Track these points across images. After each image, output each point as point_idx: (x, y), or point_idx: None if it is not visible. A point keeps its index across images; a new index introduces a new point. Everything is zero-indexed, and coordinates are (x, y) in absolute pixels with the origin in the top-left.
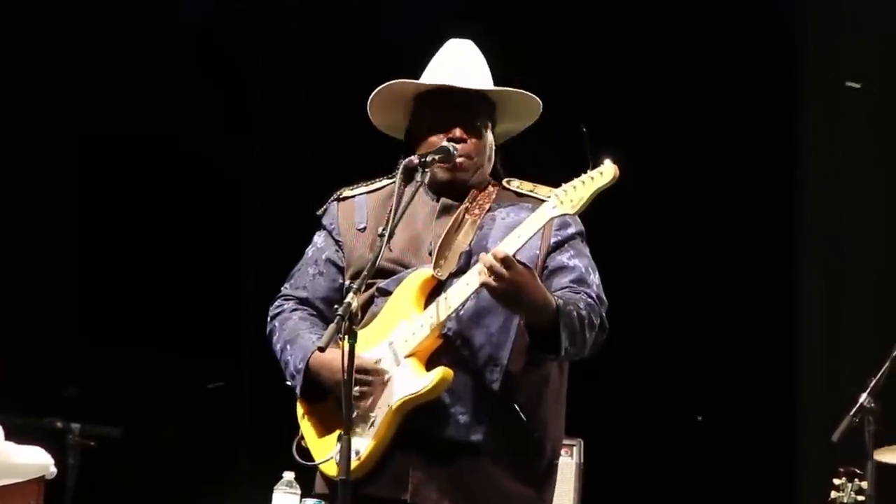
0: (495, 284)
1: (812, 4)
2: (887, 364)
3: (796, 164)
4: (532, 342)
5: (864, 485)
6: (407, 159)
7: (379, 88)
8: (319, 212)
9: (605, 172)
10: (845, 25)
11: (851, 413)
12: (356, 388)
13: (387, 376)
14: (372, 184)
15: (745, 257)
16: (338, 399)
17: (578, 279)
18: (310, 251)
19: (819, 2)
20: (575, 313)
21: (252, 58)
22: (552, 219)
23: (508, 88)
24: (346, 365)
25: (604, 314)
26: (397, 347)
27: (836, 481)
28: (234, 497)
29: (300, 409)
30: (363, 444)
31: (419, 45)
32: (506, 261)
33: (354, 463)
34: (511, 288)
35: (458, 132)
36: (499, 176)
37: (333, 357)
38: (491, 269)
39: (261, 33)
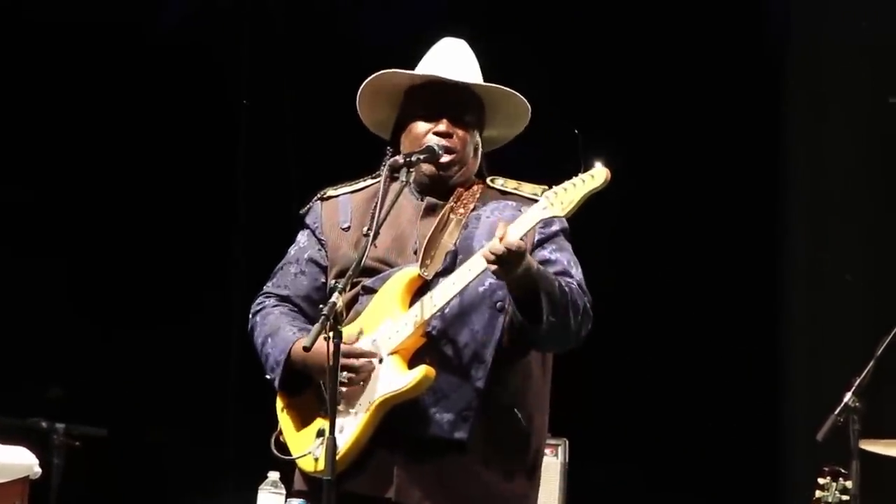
0: (502, 270)
1: (795, 9)
2: (872, 363)
3: (780, 165)
4: (517, 313)
5: (849, 484)
6: (392, 159)
7: (369, 78)
8: (303, 211)
9: (597, 176)
10: (829, 26)
11: (836, 412)
12: (343, 374)
13: (375, 361)
14: (356, 183)
15: (730, 256)
16: (318, 393)
17: (561, 271)
18: (292, 250)
19: (802, 6)
20: (556, 283)
21: (236, 59)
22: (543, 220)
23: (498, 86)
24: (331, 364)
25: (588, 302)
26: (380, 344)
27: (821, 480)
28: (219, 497)
29: (279, 404)
30: (342, 440)
31: (403, 45)
32: (517, 252)
33: None
34: (515, 269)
35: (443, 125)
36: (483, 176)
37: (320, 347)
38: (502, 257)
39: (245, 34)
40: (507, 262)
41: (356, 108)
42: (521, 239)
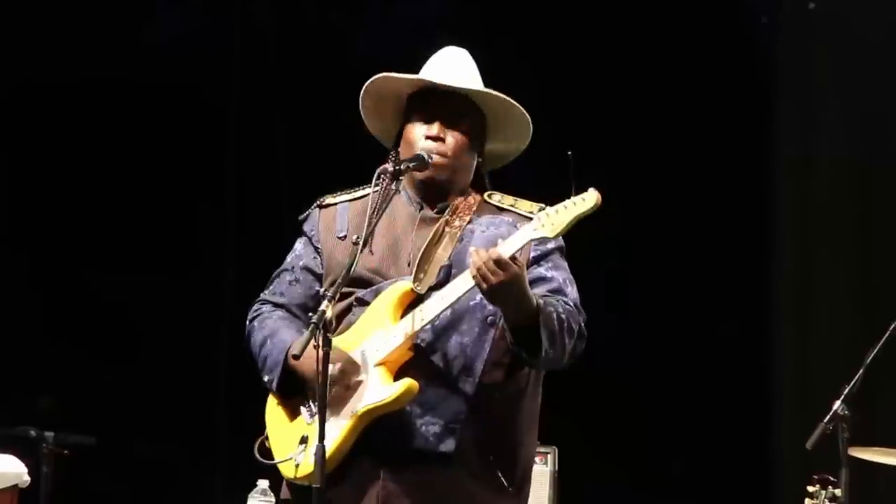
0: (488, 283)
1: (785, 21)
2: (861, 371)
3: (768, 177)
4: (513, 342)
5: (838, 492)
6: (381, 167)
7: (367, 83)
8: (301, 217)
9: (588, 199)
10: (818, 37)
11: (825, 420)
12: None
13: (360, 370)
14: (354, 192)
15: (719, 266)
16: (306, 399)
17: (556, 289)
18: (289, 257)
19: (792, 18)
20: (555, 315)
21: (227, 71)
22: (533, 240)
23: (492, 91)
24: (320, 373)
25: (582, 322)
26: (368, 355)
27: (810, 488)
28: None
29: (268, 407)
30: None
31: (397, 57)
32: (500, 262)
33: (312, 466)
34: (502, 286)
35: (436, 128)
36: (485, 188)
37: (310, 355)
38: (486, 266)
39: (236, 45)
40: (493, 274)
41: (349, 119)
42: (515, 257)
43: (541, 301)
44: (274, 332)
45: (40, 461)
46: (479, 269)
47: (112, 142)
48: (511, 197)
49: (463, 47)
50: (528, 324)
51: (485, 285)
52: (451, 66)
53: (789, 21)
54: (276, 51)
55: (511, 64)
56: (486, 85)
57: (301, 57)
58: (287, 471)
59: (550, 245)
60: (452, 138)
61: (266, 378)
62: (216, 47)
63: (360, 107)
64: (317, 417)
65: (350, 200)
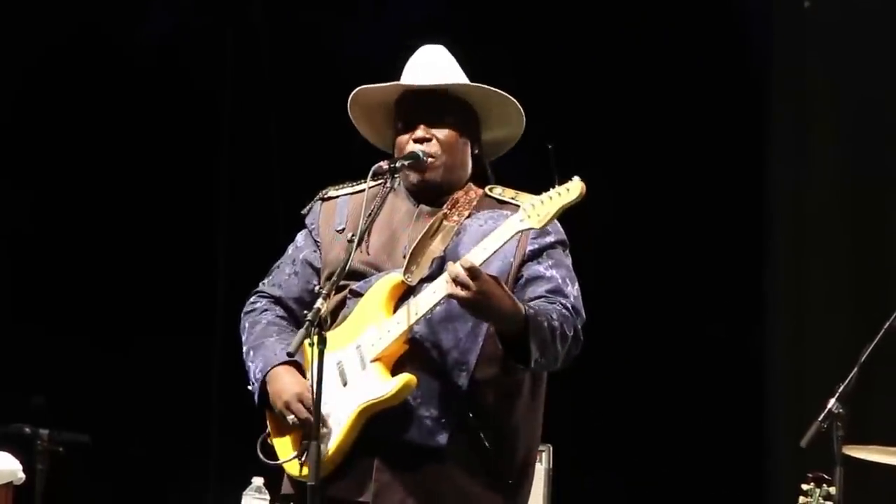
0: (462, 294)
1: (778, 25)
2: (855, 370)
3: (763, 178)
4: (504, 351)
5: (833, 490)
6: (377, 165)
7: (349, 100)
8: (304, 210)
9: (572, 189)
10: (811, 41)
11: (820, 419)
12: (290, 418)
13: (328, 405)
14: (357, 185)
15: (714, 264)
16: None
17: (554, 289)
18: (290, 249)
19: (785, 22)
20: (546, 324)
21: (221, 72)
22: (519, 231)
23: (469, 83)
24: (314, 371)
25: (578, 326)
26: (364, 351)
27: (805, 487)
28: (203, 502)
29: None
30: (324, 446)
31: (387, 57)
32: (472, 270)
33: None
34: (478, 297)
35: (420, 131)
36: (487, 181)
37: (286, 381)
38: (457, 279)
39: (229, 46)
40: (466, 285)
41: (341, 118)
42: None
43: (530, 312)
44: (259, 343)
45: (35, 458)
46: (452, 284)
47: (105, 140)
48: (512, 190)
49: (454, 48)
50: (517, 336)
51: (461, 294)
52: (428, 66)
53: (783, 20)
54: (269, 51)
55: (503, 65)
56: (475, 79)
57: (294, 57)
58: (292, 469)
59: (550, 238)
60: (439, 136)
61: (249, 388)
62: (209, 48)
63: (352, 118)
64: (319, 419)
65: (352, 193)
